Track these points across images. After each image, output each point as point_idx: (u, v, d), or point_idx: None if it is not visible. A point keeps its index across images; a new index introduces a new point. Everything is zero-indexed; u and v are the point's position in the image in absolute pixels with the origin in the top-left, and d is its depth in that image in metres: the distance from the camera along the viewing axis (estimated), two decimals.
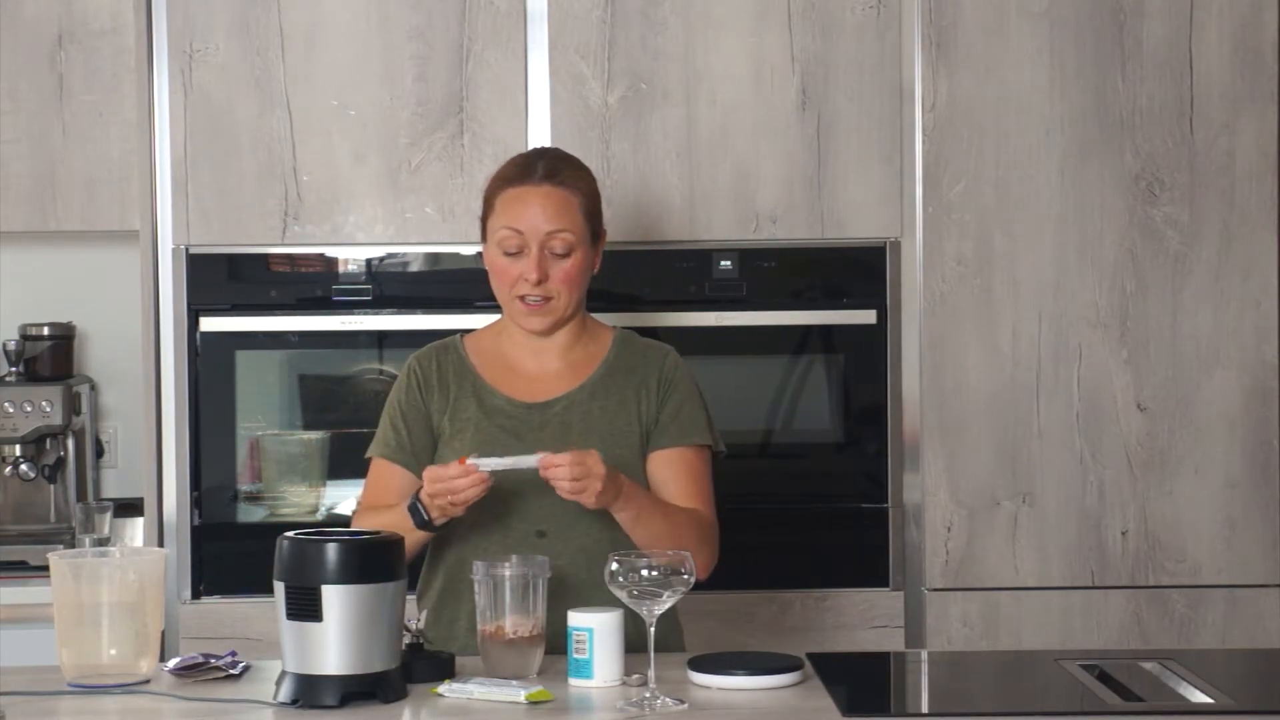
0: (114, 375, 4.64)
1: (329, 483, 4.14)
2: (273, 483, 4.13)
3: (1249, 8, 4.03)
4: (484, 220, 3.35)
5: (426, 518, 3.18)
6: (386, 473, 3.35)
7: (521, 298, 3.30)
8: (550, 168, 3.32)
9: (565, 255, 3.29)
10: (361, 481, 3.39)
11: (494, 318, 3.48)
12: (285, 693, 2.87)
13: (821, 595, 4.12)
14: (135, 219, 4.14)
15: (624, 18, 4.10)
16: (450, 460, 3.24)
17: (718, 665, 2.99)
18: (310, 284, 4.14)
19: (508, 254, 3.29)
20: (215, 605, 4.09)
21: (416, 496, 3.19)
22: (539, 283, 3.27)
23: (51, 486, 4.47)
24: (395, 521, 3.16)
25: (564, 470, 3.10)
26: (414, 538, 3.17)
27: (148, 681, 2.99)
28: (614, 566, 2.91)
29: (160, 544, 4.08)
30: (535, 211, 3.28)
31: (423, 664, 3.01)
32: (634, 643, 3.02)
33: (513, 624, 3.02)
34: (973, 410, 4.04)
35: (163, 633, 3.12)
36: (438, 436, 3.33)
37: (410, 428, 3.34)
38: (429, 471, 3.17)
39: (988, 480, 4.04)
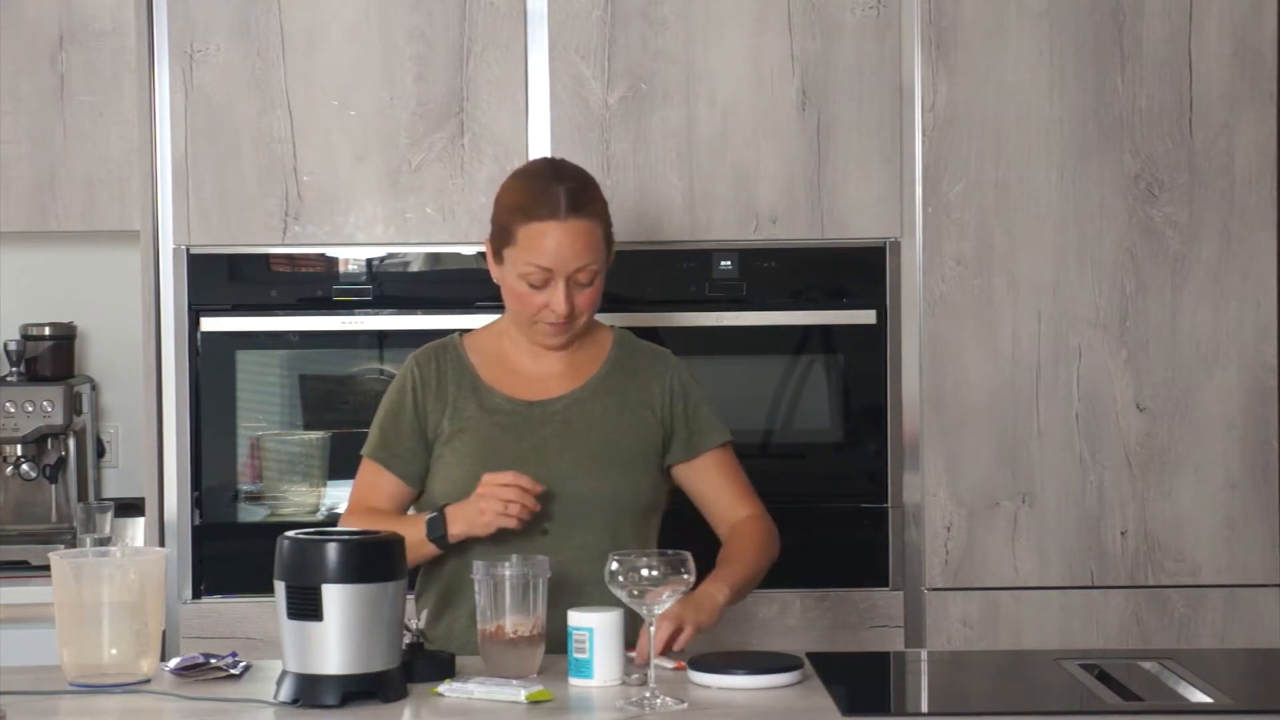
0: (115, 375, 4.64)
1: (329, 483, 4.13)
2: (273, 483, 4.13)
3: (1249, 8, 4.03)
4: (498, 244, 3.30)
5: (443, 532, 3.19)
6: (373, 473, 3.36)
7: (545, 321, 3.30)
8: (572, 198, 3.25)
9: (589, 283, 3.29)
10: None
11: (494, 318, 3.48)
12: (286, 692, 2.88)
13: (821, 595, 4.12)
14: (136, 219, 4.14)
15: (624, 18, 4.10)
16: (449, 460, 3.25)
17: (718, 665, 2.99)
18: (310, 284, 4.14)
19: (532, 286, 3.28)
20: (215, 605, 4.10)
21: (441, 509, 3.20)
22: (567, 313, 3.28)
23: (52, 486, 4.47)
24: (391, 528, 3.16)
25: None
26: (414, 554, 3.14)
27: (148, 681, 2.99)
28: (614, 566, 2.91)
29: (161, 544, 4.08)
30: (563, 248, 3.24)
31: (423, 664, 3.01)
32: (634, 643, 3.02)
33: (513, 624, 3.02)
34: (972, 410, 4.04)
35: (163, 633, 3.11)
36: (435, 438, 3.33)
37: (399, 430, 3.34)
38: (492, 477, 3.17)
39: (987, 480, 4.04)
